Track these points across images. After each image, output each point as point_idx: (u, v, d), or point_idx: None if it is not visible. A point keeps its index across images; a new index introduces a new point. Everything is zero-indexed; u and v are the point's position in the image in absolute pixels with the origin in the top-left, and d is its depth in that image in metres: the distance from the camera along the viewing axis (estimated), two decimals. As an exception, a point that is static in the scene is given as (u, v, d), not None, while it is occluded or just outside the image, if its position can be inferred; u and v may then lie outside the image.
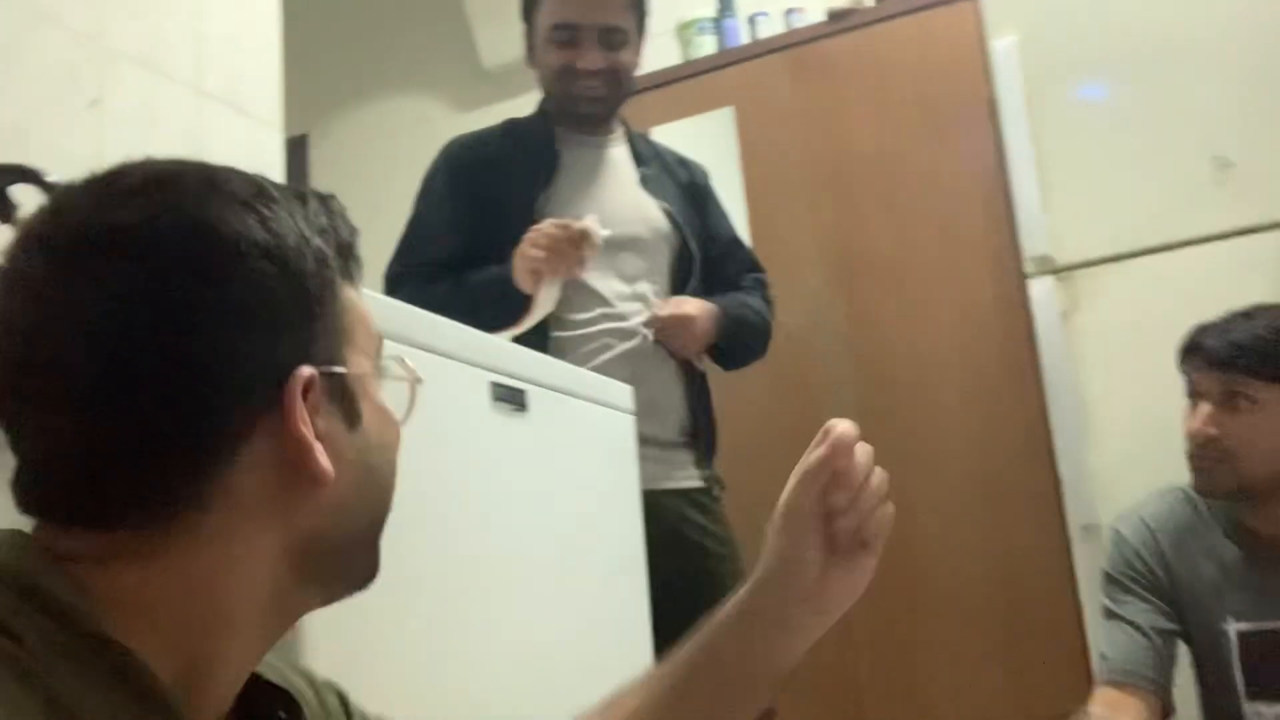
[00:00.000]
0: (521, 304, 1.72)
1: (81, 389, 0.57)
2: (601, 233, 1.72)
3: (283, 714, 0.69)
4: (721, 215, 2.17)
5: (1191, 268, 2.30)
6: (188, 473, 0.58)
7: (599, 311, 1.86)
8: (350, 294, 0.67)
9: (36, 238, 0.59)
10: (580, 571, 1.43)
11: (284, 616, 0.66)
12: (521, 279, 1.73)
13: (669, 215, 1.99)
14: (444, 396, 1.19)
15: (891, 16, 2.91)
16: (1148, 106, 2.43)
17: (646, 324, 1.89)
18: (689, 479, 1.94)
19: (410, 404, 0.76)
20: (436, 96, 3.70)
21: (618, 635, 1.50)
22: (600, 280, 1.86)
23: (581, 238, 1.71)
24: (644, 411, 1.74)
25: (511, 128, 2.05)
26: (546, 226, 1.73)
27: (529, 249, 1.72)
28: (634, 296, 1.90)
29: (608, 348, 1.84)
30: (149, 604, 0.57)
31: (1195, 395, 1.63)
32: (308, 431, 0.61)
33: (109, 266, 0.57)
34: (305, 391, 0.61)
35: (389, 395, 0.72)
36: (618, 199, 1.97)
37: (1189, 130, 2.38)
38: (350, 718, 0.79)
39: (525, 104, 2.16)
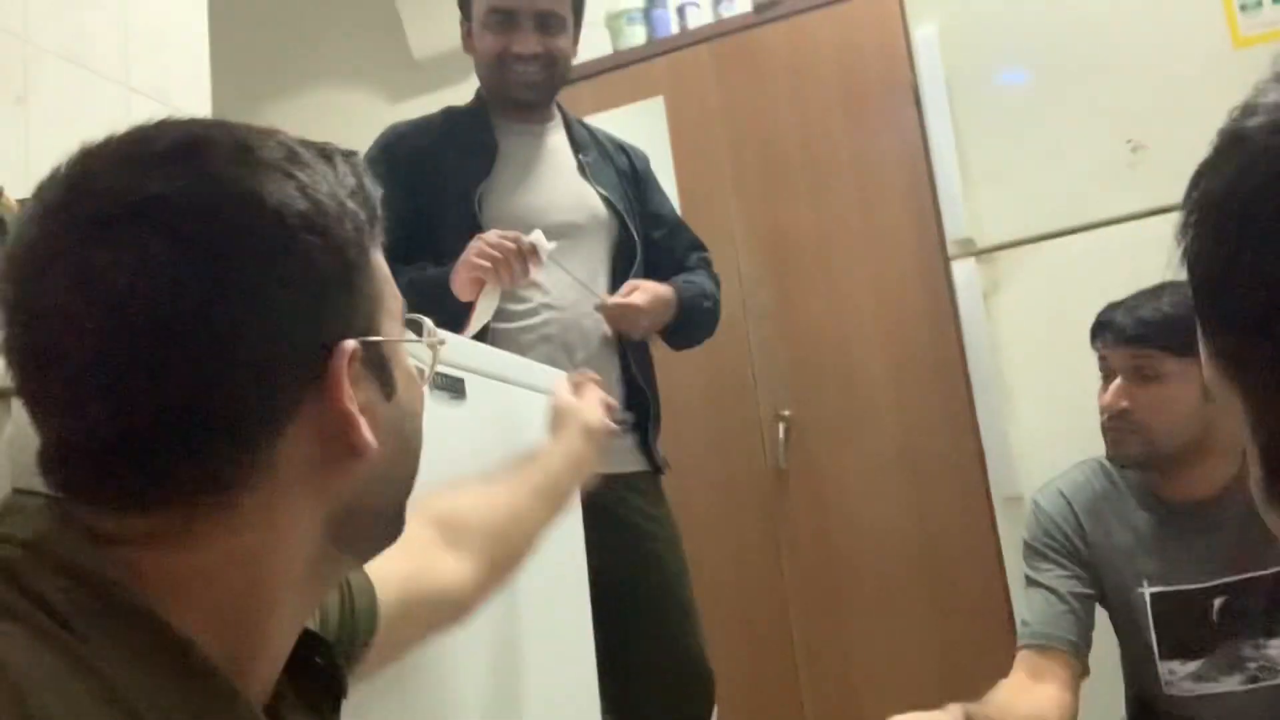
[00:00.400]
0: (459, 307, 1.70)
1: (118, 368, 0.54)
2: (548, 247, 1.69)
3: (318, 659, 0.68)
4: (663, 197, 2.18)
5: (1106, 248, 2.34)
6: (232, 454, 0.56)
7: (539, 301, 1.87)
8: (378, 258, 0.65)
9: (58, 207, 0.56)
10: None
11: (323, 582, 0.65)
12: (462, 288, 1.70)
13: (608, 202, 2.00)
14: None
15: (816, 7, 2.95)
16: (1063, 93, 2.47)
17: (596, 308, 1.89)
18: (629, 464, 1.96)
19: (432, 366, 0.76)
20: (367, 88, 3.68)
21: (557, 619, 1.52)
22: (538, 270, 1.87)
23: (530, 252, 1.69)
24: None
25: (449, 116, 2.04)
26: (494, 238, 1.68)
27: (475, 259, 1.67)
28: (573, 285, 1.90)
29: (547, 338, 1.86)
30: (196, 585, 0.56)
31: (1107, 370, 1.69)
32: (353, 407, 0.59)
33: (146, 239, 0.54)
34: (348, 365, 0.59)
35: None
36: (557, 187, 1.97)
37: (1103, 115, 2.41)
38: (349, 601, 0.80)
39: (455, 94, 2.17)
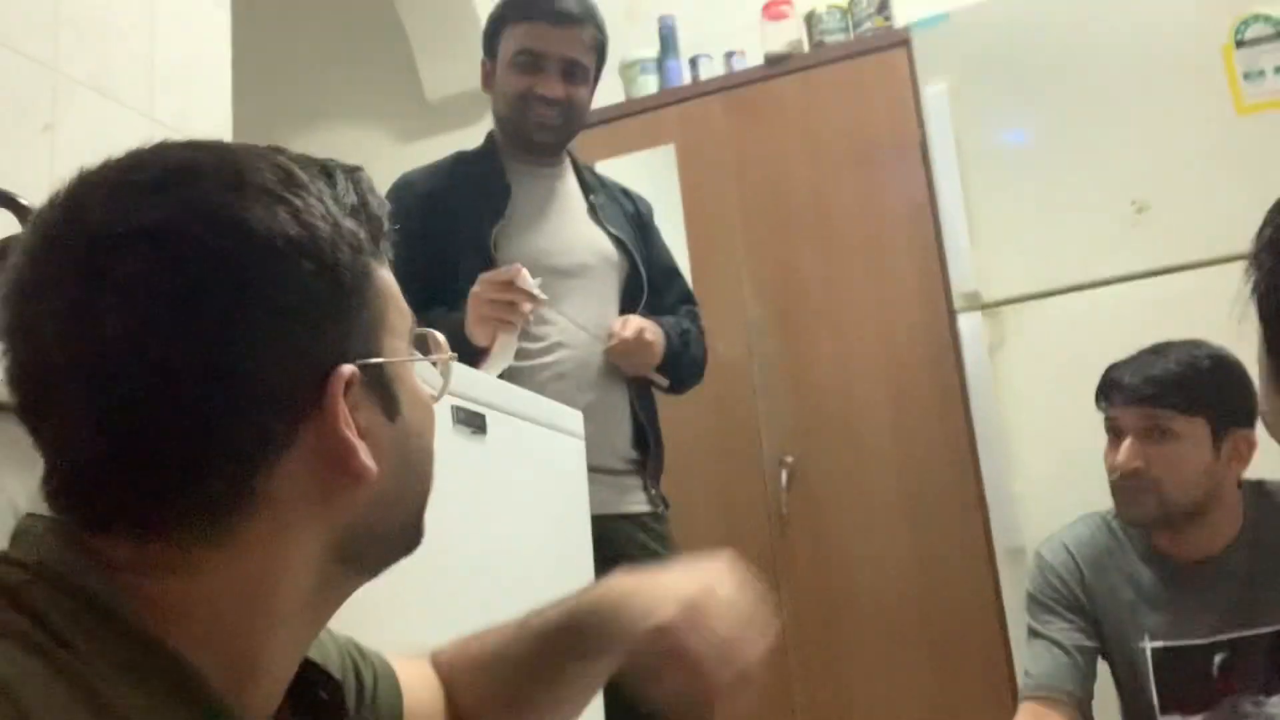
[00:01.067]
0: (472, 350, 1.72)
1: (111, 400, 0.54)
2: (534, 282, 1.71)
3: (323, 694, 0.67)
4: (663, 246, 2.21)
5: (1109, 306, 2.36)
6: (228, 482, 0.56)
7: (553, 340, 1.89)
8: (382, 274, 0.65)
9: (53, 238, 0.56)
10: (533, 591, 1.45)
11: (330, 603, 0.65)
12: (479, 335, 1.72)
13: (618, 242, 2.03)
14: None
15: (827, 62, 3.01)
16: (1069, 152, 2.51)
17: (605, 341, 1.91)
18: (638, 504, 1.97)
19: (445, 381, 0.74)
20: (381, 127, 3.73)
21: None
22: (553, 309, 1.88)
23: (521, 289, 1.71)
24: (595, 439, 1.77)
25: (460, 160, 2.06)
26: (490, 291, 1.71)
27: (486, 312, 1.71)
28: (586, 324, 1.92)
29: (560, 376, 1.87)
30: (196, 612, 0.55)
31: (1115, 430, 1.70)
32: (351, 433, 0.58)
33: (130, 271, 0.54)
34: (346, 389, 0.58)
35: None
36: (569, 228, 2.00)
37: (1108, 176, 2.45)
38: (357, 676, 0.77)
39: (468, 136, 2.19)
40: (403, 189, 2.00)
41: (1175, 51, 2.45)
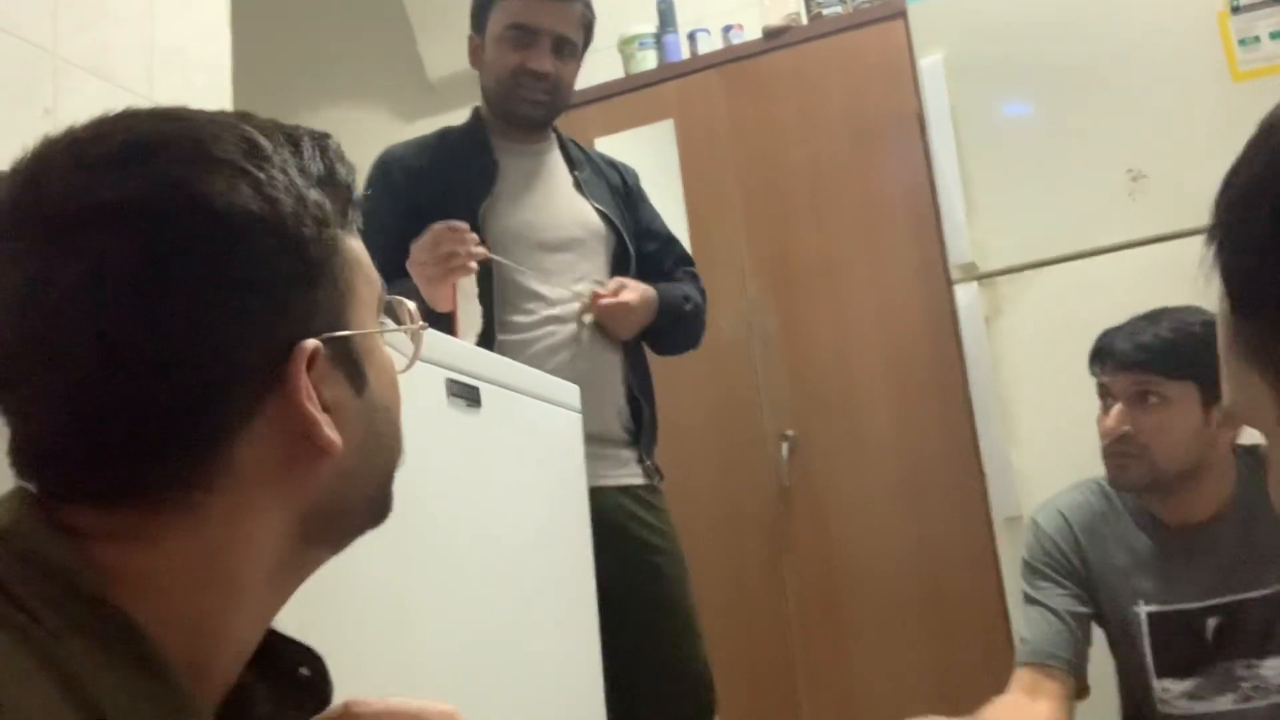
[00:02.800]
0: (441, 319, 1.74)
1: (73, 375, 0.54)
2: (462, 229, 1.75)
3: (304, 670, 0.67)
4: (654, 213, 2.22)
5: (1105, 274, 2.37)
6: (190, 454, 0.56)
7: (543, 314, 1.91)
8: (350, 244, 0.64)
9: (15, 212, 0.56)
10: (529, 563, 1.46)
11: (295, 576, 0.64)
12: (438, 300, 1.75)
13: (604, 216, 2.04)
14: (401, 392, 1.23)
15: (824, 35, 3.01)
16: (1065, 122, 2.51)
17: (585, 307, 1.93)
18: (632, 476, 1.99)
19: (415, 351, 0.73)
20: (382, 107, 3.73)
21: (564, 627, 1.55)
22: (541, 283, 1.91)
23: (453, 232, 1.74)
24: (588, 410, 1.79)
25: (446, 136, 2.07)
26: (428, 240, 1.75)
27: (433, 267, 1.74)
28: (575, 297, 1.94)
29: (552, 350, 1.90)
30: (157, 582, 0.55)
31: (1107, 396, 1.71)
32: (313, 407, 0.58)
33: (98, 246, 0.54)
34: (310, 362, 0.58)
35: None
36: (556, 204, 2.02)
37: (1104, 144, 2.46)
38: None
39: (467, 116, 2.20)
40: (390, 163, 2.01)
41: (1170, 19, 2.46)
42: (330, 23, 3.86)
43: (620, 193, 2.16)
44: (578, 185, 2.07)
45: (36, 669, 0.48)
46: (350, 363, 0.62)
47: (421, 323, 0.75)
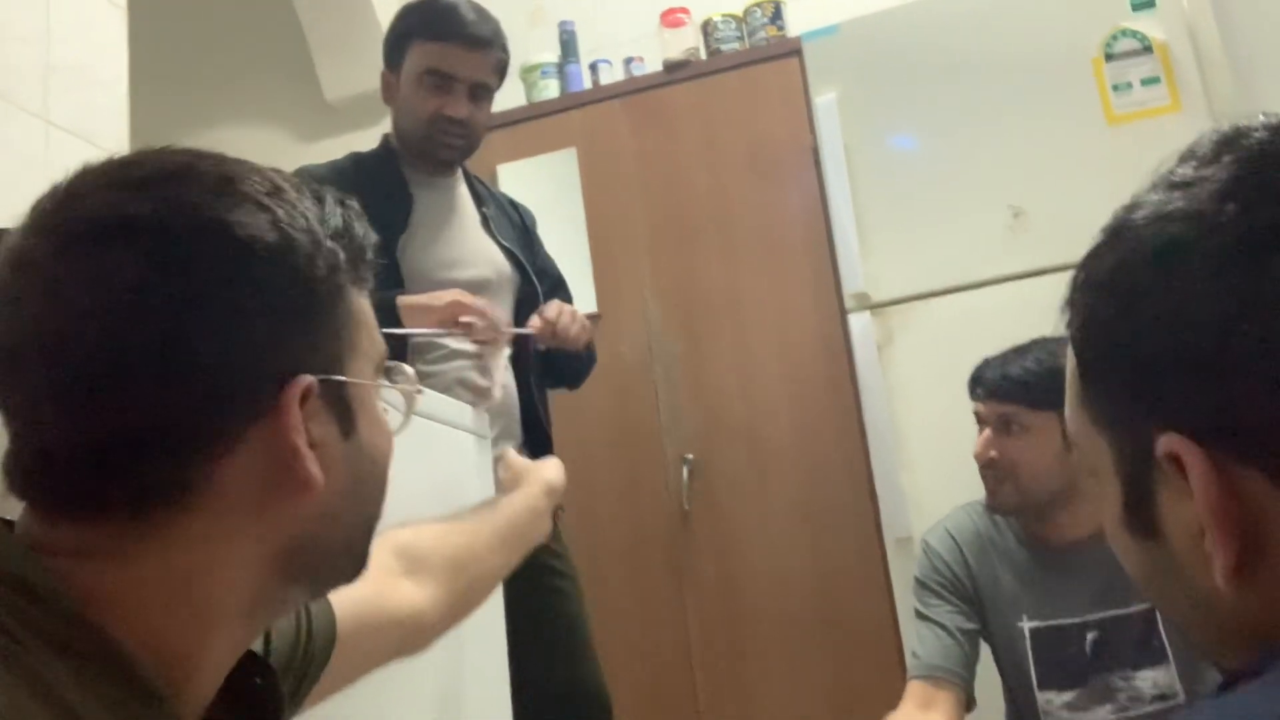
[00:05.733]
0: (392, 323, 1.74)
1: (72, 377, 0.55)
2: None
3: (258, 680, 0.68)
4: (547, 256, 2.24)
5: (989, 305, 2.47)
6: (170, 470, 0.57)
7: (452, 348, 1.89)
8: (358, 301, 0.66)
9: (46, 222, 0.58)
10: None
11: (268, 612, 0.65)
12: (434, 325, 1.76)
13: (510, 254, 2.06)
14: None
15: (723, 69, 3.08)
16: (952, 159, 2.61)
17: (541, 329, 1.93)
18: None
19: (407, 415, 0.75)
20: (280, 128, 3.69)
21: (474, 648, 1.56)
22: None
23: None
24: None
25: (360, 163, 2.04)
26: (480, 306, 1.77)
27: (473, 320, 1.75)
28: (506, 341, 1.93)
29: (461, 381, 1.88)
30: (132, 601, 0.56)
31: (979, 422, 1.82)
32: (300, 440, 0.59)
33: (115, 257, 0.56)
34: (303, 399, 0.59)
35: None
36: (468, 241, 2.03)
37: (988, 181, 2.57)
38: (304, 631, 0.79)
39: (367, 136, 2.18)
40: (312, 179, 1.97)
41: (1050, 64, 2.58)
42: (228, 43, 3.81)
43: (521, 233, 2.18)
44: (485, 223, 2.08)
45: (22, 690, 0.49)
46: (342, 408, 0.64)
47: (418, 388, 0.77)
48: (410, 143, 2.03)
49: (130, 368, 0.55)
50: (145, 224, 0.57)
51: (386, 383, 0.70)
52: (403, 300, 1.77)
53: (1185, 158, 0.55)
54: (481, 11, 1.98)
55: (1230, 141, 0.53)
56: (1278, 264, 0.49)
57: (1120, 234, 0.56)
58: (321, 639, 0.81)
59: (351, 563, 0.69)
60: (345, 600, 0.85)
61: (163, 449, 0.57)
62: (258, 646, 0.72)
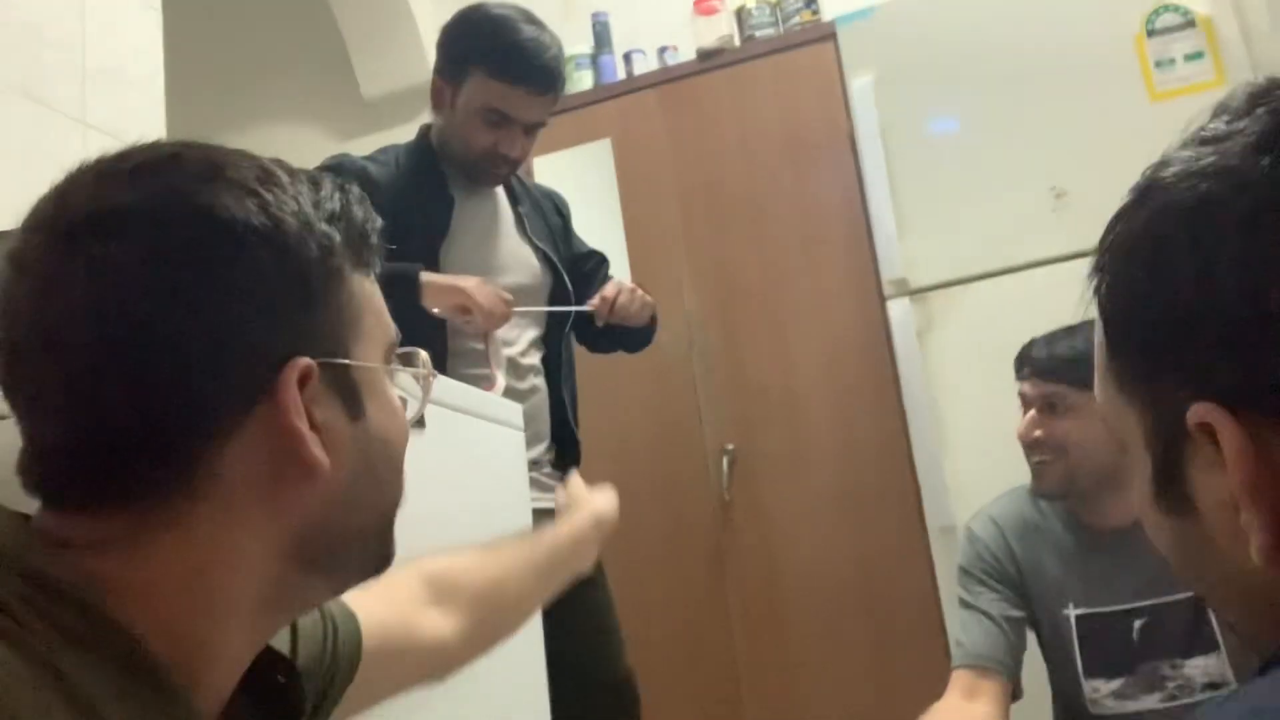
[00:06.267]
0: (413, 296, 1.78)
1: (73, 371, 0.56)
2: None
3: (281, 678, 0.68)
4: (580, 240, 2.25)
5: (1031, 288, 2.44)
6: (176, 459, 0.57)
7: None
8: (362, 284, 0.65)
9: (42, 218, 0.59)
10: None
11: (288, 604, 0.65)
12: (438, 306, 1.77)
13: (544, 256, 2.06)
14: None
15: (757, 56, 3.07)
16: (992, 140, 2.58)
17: (599, 308, 1.97)
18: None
19: (423, 399, 0.75)
20: (317, 126, 3.72)
21: (508, 647, 1.57)
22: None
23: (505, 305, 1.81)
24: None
25: (400, 160, 2.01)
26: (491, 292, 1.80)
27: (481, 300, 1.78)
28: (517, 340, 1.98)
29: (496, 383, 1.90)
30: (146, 591, 0.56)
31: (1024, 403, 1.78)
32: (300, 423, 0.59)
33: (105, 247, 0.56)
34: (303, 381, 0.59)
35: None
36: (506, 249, 2.03)
37: (1029, 162, 2.53)
38: (331, 634, 0.79)
39: (403, 133, 2.16)
40: (348, 170, 1.93)
41: (1091, 42, 2.54)
42: (264, 42, 3.85)
43: (559, 227, 2.17)
44: (520, 223, 2.08)
45: (38, 681, 0.49)
46: (347, 391, 0.63)
47: (432, 372, 0.76)
48: (456, 161, 2.00)
49: (125, 358, 0.56)
50: (132, 213, 0.57)
51: (394, 366, 0.70)
52: (425, 277, 1.78)
53: (1218, 112, 0.53)
54: (544, 42, 1.91)
55: (1264, 94, 0.51)
56: None
57: (1150, 192, 0.54)
58: (348, 653, 0.81)
59: (371, 552, 0.68)
60: (372, 621, 0.85)
61: (164, 438, 0.57)
62: (284, 648, 0.72)
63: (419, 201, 1.94)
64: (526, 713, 1.58)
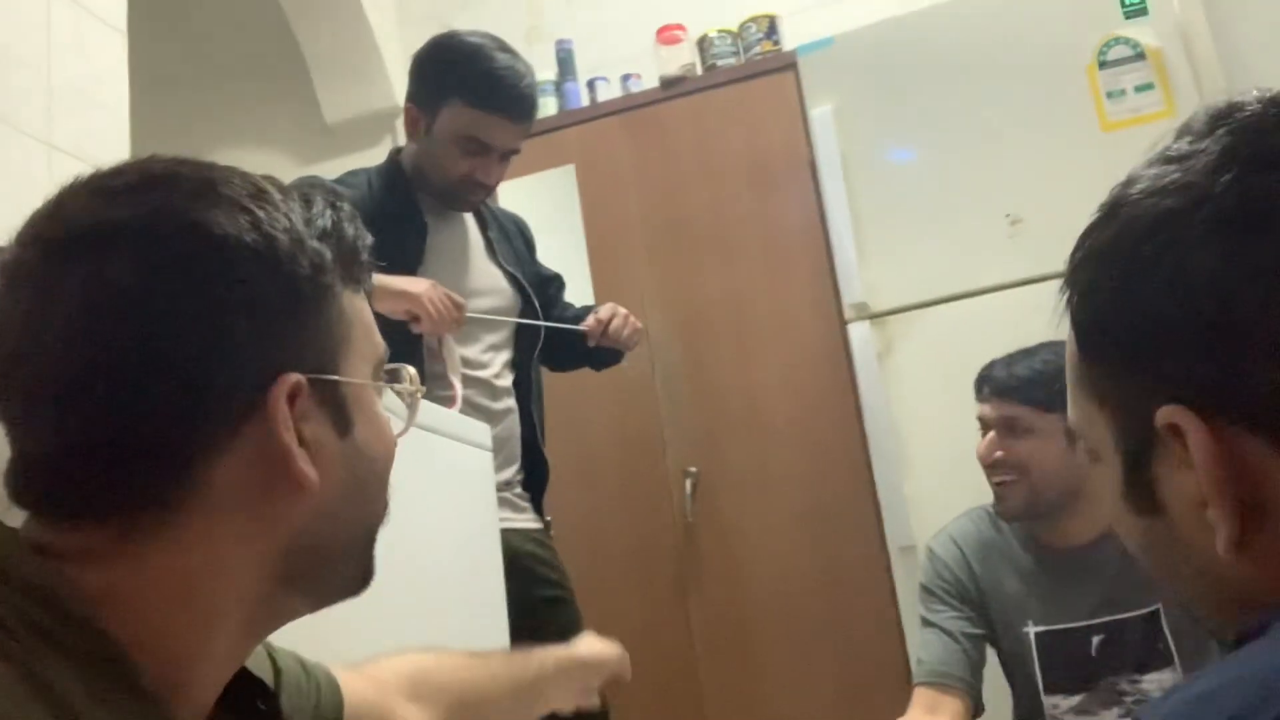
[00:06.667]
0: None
1: (65, 383, 0.56)
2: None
3: (261, 705, 0.68)
4: (540, 260, 2.27)
5: (988, 312, 2.47)
6: (165, 472, 0.57)
7: (466, 373, 1.93)
8: (353, 301, 0.66)
9: (36, 232, 0.59)
10: (443, 599, 1.48)
11: (271, 619, 0.65)
12: (391, 310, 1.76)
13: (514, 280, 2.08)
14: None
15: (719, 84, 3.10)
16: (949, 168, 2.62)
17: (593, 328, 2.01)
18: (529, 520, 2.04)
19: (410, 417, 0.75)
20: (280, 151, 3.71)
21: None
22: (465, 348, 1.94)
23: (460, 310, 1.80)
24: (496, 459, 1.83)
25: (372, 184, 2.00)
26: (442, 296, 1.79)
27: (428, 306, 1.76)
28: (491, 362, 2.00)
29: (468, 401, 1.91)
30: (132, 603, 0.56)
31: (984, 423, 1.82)
32: (290, 438, 0.59)
33: (100, 262, 0.56)
34: (293, 397, 0.60)
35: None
36: (479, 273, 2.04)
37: (985, 189, 2.58)
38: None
39: (367, 158, 2.19)
40: (326, 191, 1.94)
41: (1044, 72, 2.60)
42: (228, 67, 3.84)
43: (524, 255, 2.20)
44: (489, 248, 2.10)
45: (20, 688, 0.49)
46: (336, 407, 0.64)
47: (420, 389, 0.76)
48: (431, 187, 2.00)
49: (117, 372, 0.56)
50: (127, 229, 0.58)
51: (383, 383, 0.70)
52: (376, 280, 1.75)
53: (1181, 133, 0.56)
54: (519, 70, 1.93)
55: (1224, 115, 0.54)
56: (1274, 229, 0.50)
57: (1117, 209, 0.56)
58: (330, 708, 0.81)
59: (352, 570, 0.69)
60: (355, 698, 0.84)
61: (154, 452, 0.57)
62: (268, 678, 0.72)
63: (392, 226, 1.94)
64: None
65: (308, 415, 0.61)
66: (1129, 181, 0.57)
